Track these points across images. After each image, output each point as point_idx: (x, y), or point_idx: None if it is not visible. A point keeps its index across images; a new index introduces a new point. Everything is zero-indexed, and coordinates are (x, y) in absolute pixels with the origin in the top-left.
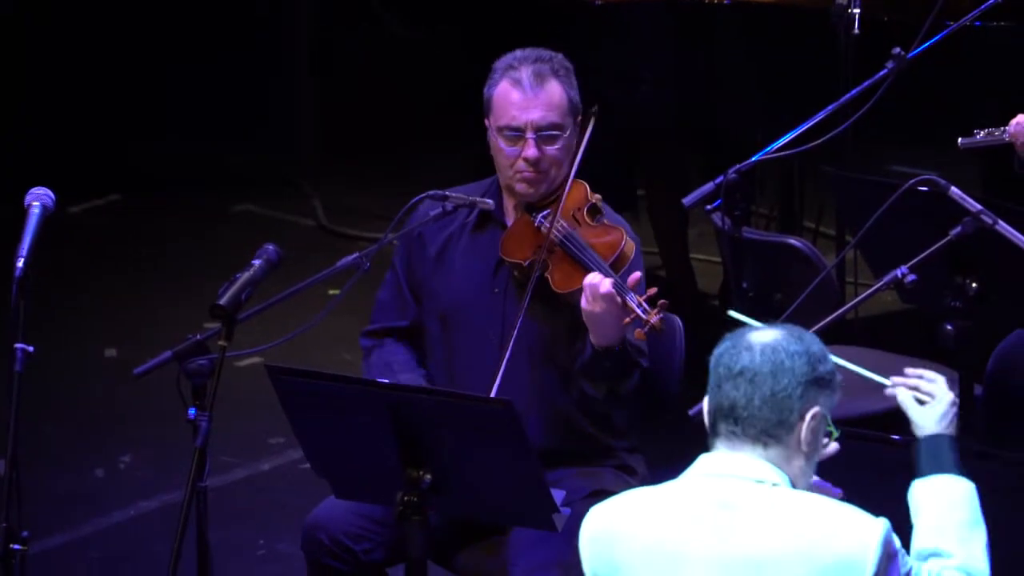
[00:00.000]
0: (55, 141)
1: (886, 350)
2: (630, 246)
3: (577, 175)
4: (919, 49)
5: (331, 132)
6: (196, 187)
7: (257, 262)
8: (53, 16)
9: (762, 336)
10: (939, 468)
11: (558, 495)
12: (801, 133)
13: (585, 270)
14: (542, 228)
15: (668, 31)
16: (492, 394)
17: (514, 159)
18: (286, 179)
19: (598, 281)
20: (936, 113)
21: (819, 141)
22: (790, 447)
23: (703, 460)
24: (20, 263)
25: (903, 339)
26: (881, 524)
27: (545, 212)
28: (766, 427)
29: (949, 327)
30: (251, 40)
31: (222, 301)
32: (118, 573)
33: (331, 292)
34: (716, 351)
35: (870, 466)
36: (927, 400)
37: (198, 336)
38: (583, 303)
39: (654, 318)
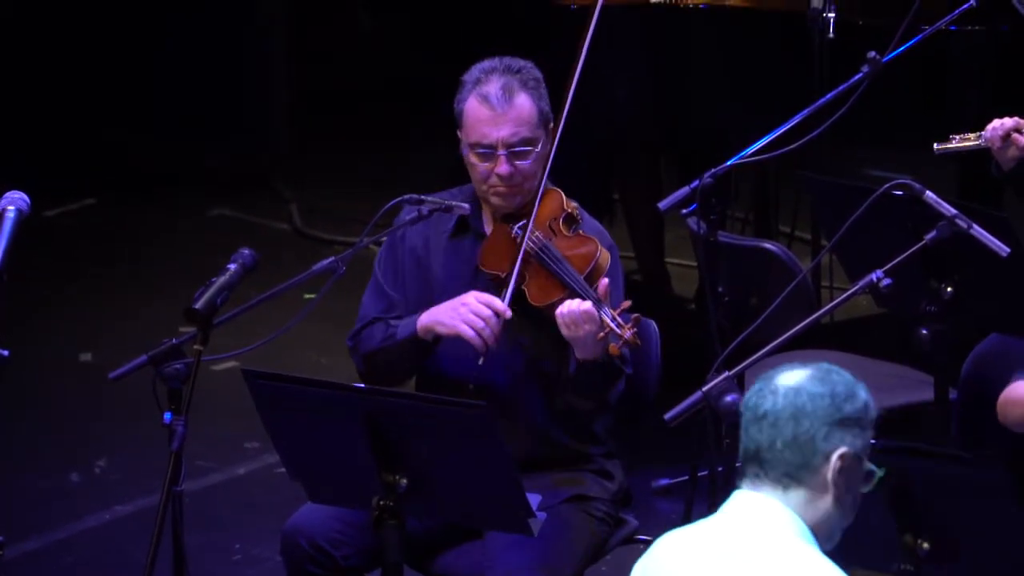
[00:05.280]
0: (29, 145)
1: (861, 354)
2: (604, 257)
3: (554, 182)
4: (894, 53)
5: (306, 134)
6: (171, 191)
7: (232, 266)
8: (25, 19)
9: (788, 378)
10: None
11: (534, 499)
12: (777, 137)
13: (561, 283)
14: (517, 239)
15: (643, 35)
16: None
17: (487, 175)
18: (262, 182)
19: (576, 305)
20: (911, 117)
21: (795, 145)
22: (814, 488)
23: (732, 499)
24: None
25: (878, 343)
26: None
27: (522, 223)
28: (788, 469)
29: (924, 331)
30: (226, 39)
31: (198, 305)
32: None
33: (307, 296)
34: (746, 394)
35: None
36: None
37: (174, 340)
38: (561, 329)
39: (628, 333)
